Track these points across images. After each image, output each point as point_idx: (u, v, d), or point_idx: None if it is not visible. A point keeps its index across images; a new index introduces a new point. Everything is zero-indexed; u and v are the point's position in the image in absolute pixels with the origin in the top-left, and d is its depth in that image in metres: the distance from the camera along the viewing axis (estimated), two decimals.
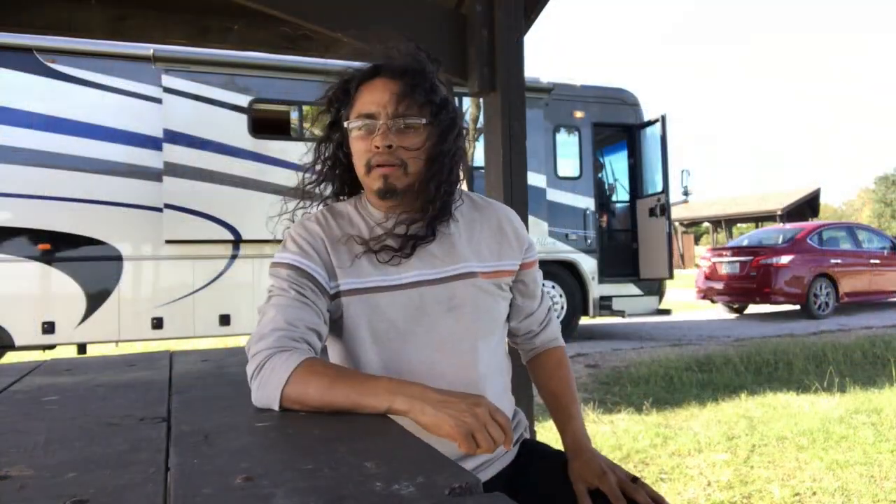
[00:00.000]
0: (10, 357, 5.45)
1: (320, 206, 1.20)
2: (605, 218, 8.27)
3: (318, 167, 1.19)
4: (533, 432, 1.29)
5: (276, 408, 0.90)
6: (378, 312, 1.08)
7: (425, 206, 1.10)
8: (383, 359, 1.09)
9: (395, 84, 1.07)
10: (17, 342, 5.36)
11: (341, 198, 1.22)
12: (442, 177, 1.10)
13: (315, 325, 1.01)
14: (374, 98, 1.07)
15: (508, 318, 1.25)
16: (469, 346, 1.11)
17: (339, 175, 1.19)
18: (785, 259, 9.35)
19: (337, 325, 1.11)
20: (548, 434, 3.45)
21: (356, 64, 1.15)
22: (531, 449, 1.22)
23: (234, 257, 5.95)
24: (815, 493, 2.51)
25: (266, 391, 0.91)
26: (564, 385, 1.25)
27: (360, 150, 1.09)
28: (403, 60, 1.10)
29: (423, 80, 1.09)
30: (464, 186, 1.23)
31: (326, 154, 1.18)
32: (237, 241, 5.92)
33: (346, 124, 1.11)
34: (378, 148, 1.05)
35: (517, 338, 1.31)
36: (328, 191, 1.21)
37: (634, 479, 1.08)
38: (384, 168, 1.06)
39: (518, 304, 1.24)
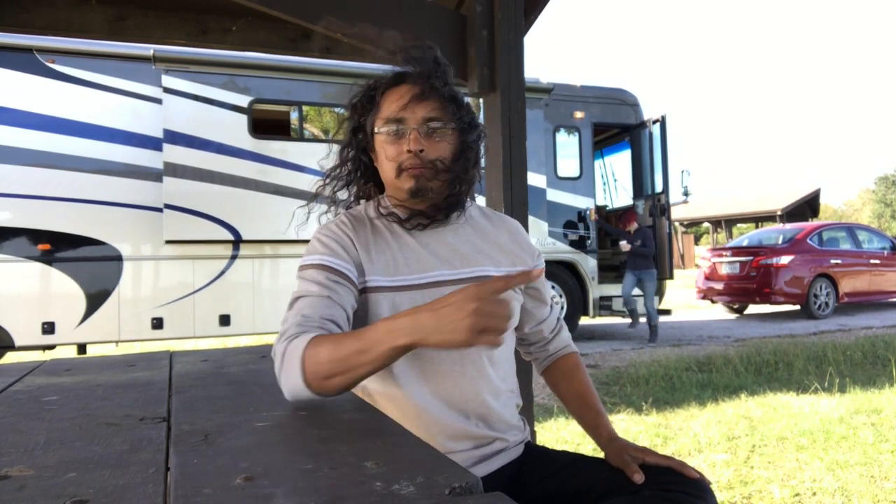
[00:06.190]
0: (10, 357, 5.45)
1: (341, 211, 1.23)
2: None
3: (340, 171, 1.22)
4: (533, 432, 1.29)
5: (305, 390, 0.90)
6: (400, 310, 1.09)
7: (448, 198, 1.15)
8: (406, 356, 1.10)
9: (420, 89, 1.11)
10: (17, 342, 5.36)
11: (360, 201, 1.25)
12: (464, 174, 1.14)
13: (333, 316, 1.01)
14: (402, 103, 1.11)
15: (520, 326, 1.29)
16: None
17: (360, 178, 1.22)
18: (785, 259, 9.35)
19: (361, 322, 1.11)
20: (548, 434, 3.45)
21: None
22: (534, 451, 1.22)
23: (234, 257, 5.95)
24: (815, 494, 2.51)
25: (290, 380, 0.91)
26: (586, 386, 1.28)
27: (391, 155, 1.12)
28: (426, 65, 1.13)
29: (445, 83, 1.13)
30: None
31: (349, 158, 1.20)
32: (237, 242, 5.93)
33: (375, 129, 1.14)
34: (410, 153, 1.09)
35: (531, 346, 1.33)
36: (348, 194, 1.24)
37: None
38: (415, 170, 1.10)
39: (529, 308, 1.28)
